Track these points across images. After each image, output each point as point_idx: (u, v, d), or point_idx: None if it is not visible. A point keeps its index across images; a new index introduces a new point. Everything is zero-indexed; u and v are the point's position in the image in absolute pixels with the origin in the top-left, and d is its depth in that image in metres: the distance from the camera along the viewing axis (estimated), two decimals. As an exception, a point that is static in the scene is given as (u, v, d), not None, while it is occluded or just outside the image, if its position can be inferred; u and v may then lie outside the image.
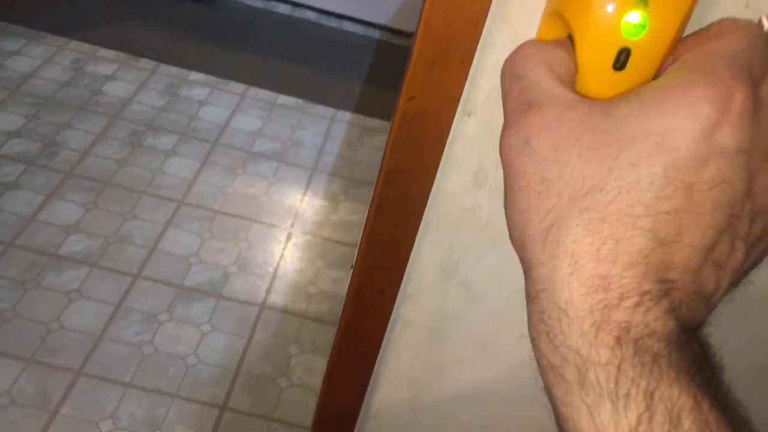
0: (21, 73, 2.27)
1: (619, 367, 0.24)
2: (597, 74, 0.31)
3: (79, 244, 1.79)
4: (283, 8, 2.58)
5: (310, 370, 1.56)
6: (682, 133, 0.26)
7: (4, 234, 1.75)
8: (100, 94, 2.31)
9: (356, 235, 1.88)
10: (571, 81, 0.31)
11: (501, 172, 0.52)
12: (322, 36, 2.54)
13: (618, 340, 0.25)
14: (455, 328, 0.64)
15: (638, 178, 0.26)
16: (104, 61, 2.44)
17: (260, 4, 2.60)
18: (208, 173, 2.17)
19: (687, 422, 0.23)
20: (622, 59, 0.30)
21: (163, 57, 2.49)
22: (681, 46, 0.30)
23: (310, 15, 2.55)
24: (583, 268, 0.26)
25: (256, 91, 2.33)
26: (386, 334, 0.66)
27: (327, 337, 1.62)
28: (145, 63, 2.48)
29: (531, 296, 0.28)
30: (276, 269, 1.77)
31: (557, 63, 0.31)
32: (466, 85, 0.48)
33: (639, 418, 0.24)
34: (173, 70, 2.49)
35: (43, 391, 1.41)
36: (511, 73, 0.32)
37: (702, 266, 0.26)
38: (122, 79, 2.38)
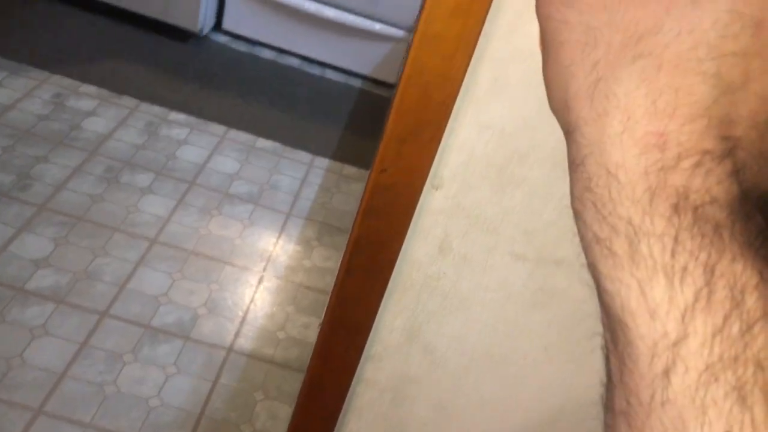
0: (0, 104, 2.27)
1: (675, 238, 0.22)
2: None
3: (47, 279, 1.77)
4: (268, 53, 2.62)
5: (274, 417, 1.55)
6: None
7: (-28, 266, 1.74)
8: (79, 129, 2.32)
9: (329, 281, 1.89)
10: None
11: (465, 242, 0.54)
12: (304, 82, 2.58)
13: (675, 207, 0.22)
14: (417, 389, 0.65)
15: (700, 16, 0.23)
16: (85, 97, 2.45)
17: (245, 48, 2.63)
18: (183, 213, 2.17)
19: (751, 300, 0.21)
20: None
21: (145, 95, 2.51)
22: None
23: (294, 61, 2.59)
24: (637, 124, 0.23)
25: (235, 134, 2.35)
26: (350, 391, 0.67)
27: (293, 383, 1.62)
28: (127, 100, 2.50)
29: (575, 163, 0.25)
30: (246, 313, 1.77)
31: None
32: (435, 162, 0.50)
33: (697, 294, 0.21)
34: (155, 108, 2.50)
35: (0, 429, 1.39)
36: None
37: None
38: (102, 115, 2.39)
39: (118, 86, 2.48)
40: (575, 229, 0.62)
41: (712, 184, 0.22)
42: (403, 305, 0.55)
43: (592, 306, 0.58)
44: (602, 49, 0.24)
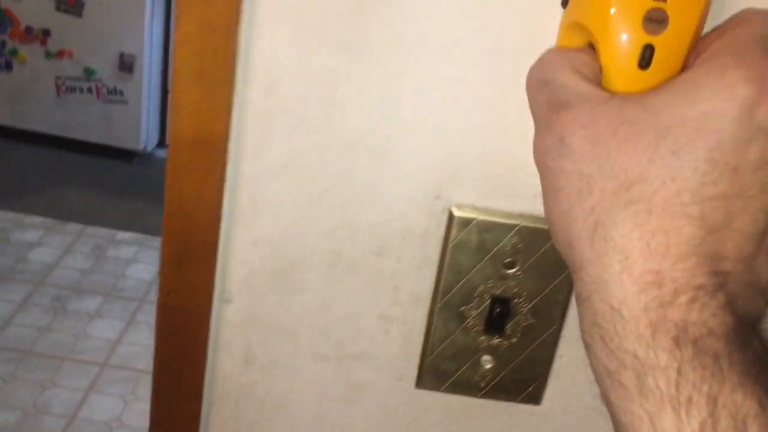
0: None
1: (679, 371, 0.23)
2: (623, 74, 0.30)
3: (-7, 419, 1.76)
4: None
5: None
6: (722, 115, 0.24)
7: None
8: (25, 261, 2.33)
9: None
10: (597, 81, 0.30)
11: (267, 350, 0.56)
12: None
13: (676, 341, 0.23)
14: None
15: (681, 165, 0.25)
16: (30, 228, 2.49)
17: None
18: (134, 332, 2.16)
19: (753, 428, 0.22)
20: (646, 56, 0.29)
21: (91, 219, 2.55)
22: (702, 42, 0.29)
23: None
24: (634, 264, 0.25)
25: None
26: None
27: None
28: (73, 226, 2.53)
29: (582, 298, 0.27)
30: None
31: (582, 65, 0.30)
32: (218, 278, 0.53)
33: (702, 424, 0.22)
34: (101, 231, 2.54)
35: None
36: (536, 79, 0.32)
37: (755, 253, 0.25)
38: (48, 244, 2.42)
39: (63, 213, 2.53)
40: (365, 325, 0.68)
41: (707, 317, 0.23)
42: (225, 418, 0.57)
43: (403, 396, 0.61)
44: (597, 195, 0.26)
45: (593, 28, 0.31)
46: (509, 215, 0.52)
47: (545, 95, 0.30)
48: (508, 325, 0.55)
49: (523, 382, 0.57)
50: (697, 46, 0.30)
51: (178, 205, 0.50)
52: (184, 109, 0.46)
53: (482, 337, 0.55)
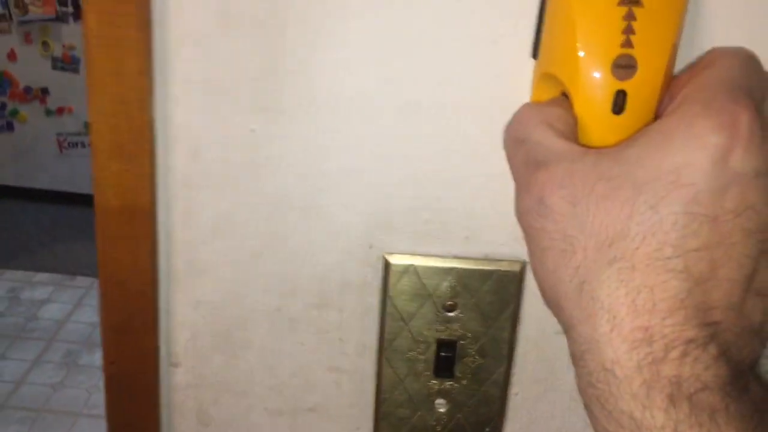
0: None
1: (675, 430, 0.23)
2: (598, 122, 0.30)
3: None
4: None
5: None
6: (696, 166, 0.24)
7: None
8: (36, 319, 2.35)
9: None
10: (573, 135, 0.30)
11: (221, 409, 0.56)
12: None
13: (671, 398, 0.23)
14: None
15: (660, 219, 0.24)
16: (39, 286, 2.51)
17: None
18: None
19: None
20: (619, 102, 0.29)
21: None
22: (675, 83, 0.30)
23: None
24: (623, 322, 0.24)
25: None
26: None
27: None
28: (81, 280, 2.55)
29: (576, 357, 0.27)
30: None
31: (556, 120, 0.31)
32: (163, 343, 0.53)
33: None
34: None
35: None
36: (513, 138, 0.32)
37: (744, 299, 0.25)
38: (58, 300, 2.44)
39: (72, 268, 2.55)
40: (316, 379, 0.68)
41: (700, 371, 0.23)
42: (187, 480, 0.57)
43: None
44: (580, 254, 0.26)
45: (564, 78, 0.31)
46: (443, 259, 0.52)
47: (522, 155, 0.30)
48: (457, 368, 0.54)
49: (479, 423, 0.56)
50: (670, 87, 0.30)
51: (112, 274, 0.50)
52: (105, 182, 0.47)
53: (433, 381, 0.55)
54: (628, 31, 0.29)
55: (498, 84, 0.45)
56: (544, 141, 0.30)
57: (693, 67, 0.30)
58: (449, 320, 0.53)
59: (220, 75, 0.47)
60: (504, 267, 0.51)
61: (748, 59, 0.29)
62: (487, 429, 0.56)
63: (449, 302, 0.52)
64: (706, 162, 0.24)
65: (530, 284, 0.53)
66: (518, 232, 0.51)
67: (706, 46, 0.32)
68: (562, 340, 0.55)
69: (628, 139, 0.28)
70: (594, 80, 0.29)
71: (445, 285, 0.52)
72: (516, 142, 0.32)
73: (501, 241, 0.51)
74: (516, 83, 0.42)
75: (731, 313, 0.24)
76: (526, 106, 0.34)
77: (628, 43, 0.29)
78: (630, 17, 0.29)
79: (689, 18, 0.34)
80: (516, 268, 0.51)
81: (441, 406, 0.56)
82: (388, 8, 0.45)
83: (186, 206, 0.50)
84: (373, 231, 0.52)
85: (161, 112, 0.48)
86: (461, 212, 0.51)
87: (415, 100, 0.47)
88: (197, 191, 0.50)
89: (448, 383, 0.55)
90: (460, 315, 0.53)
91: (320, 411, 0.57)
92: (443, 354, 0.54)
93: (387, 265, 0.52)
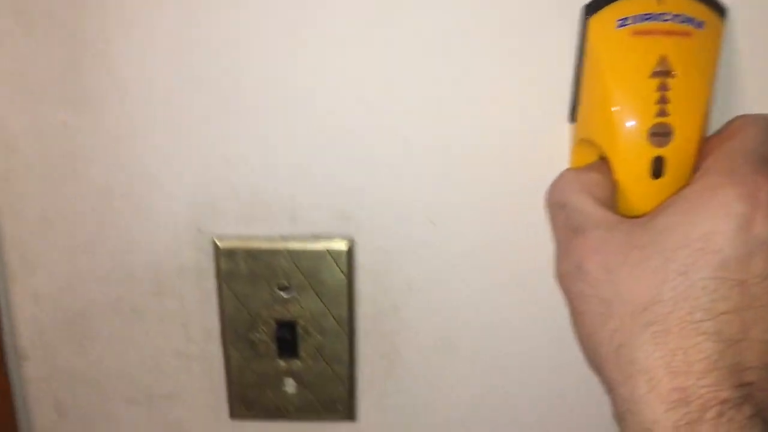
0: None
1: None
2: (637, 187, 0.32)
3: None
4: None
5: None
6: (722, 234, 0.26)
7: None
8: None
9: None
10: (610, 201, 0.32)
11: (78, 400, 0.57)
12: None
13: None
14: None
15: (690, 285, 0.26)
16: None
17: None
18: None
19: None
20: (658, 168, 0.31)
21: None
22: (705, 146, 0.31)
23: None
24: (660, 383, 0.26)
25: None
26: None
27: None
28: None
29: (619, 418, 0.28)
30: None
31: (595, 187, 0.32)
32: (9, 335, 0.54)
33: None
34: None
35: None
36: (554, 202, 0.34)
37: None
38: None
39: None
40: (166, 366, 0.68)
41: (735, 431, 0.25)
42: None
43: (223, 428, 0.60)
44: (617, 319, 0.28)
45: (604, 146, 0.33)
46: (271, 240, 0.52)
47: (562, 219, 0.33)
48: (301, 347, 0.55)
49: (330, 401, 0.56)
50: (703, 149, 0.32)
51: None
52: None
53: (279, 362, 0.55)
54: (663, 101, 0.31)
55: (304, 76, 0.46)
56: (583, 207, 0.31)
57: (720, 134, 0.32)
58: (285, 301, 0.53)
59: (27, 71, 0.48)
60: (333, 245, 0.52)
61: None
62: (339, 407, 0.57)
63: (282, 282, 0.53)
64: (732, 230, 0.26)
65: (362, 261, 0.53)
66: (343, 209, 0.51)
67: (735, 110, 0.34)
68: (400, 316, 0.55)
69: (658, 207, 0.30)
70: (633, 149, 0.31)
71: (275, 265, 0.52)
72: (557, 206, 0.33)
73: (325, 220, 0.52)
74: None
75: (764, 373, 0.26)
76: (567, 171, 0.35)
77: (663, 113, 0.31)
78: (663, 88, 0.31)
79: (720, 81, 0.35)
80: (343, 246, 0.51)
81: (290, 386, 0.56)
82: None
83: (10, 199, 0.51)
84: (199, 216, 0.52)
85: (-29, 110, 0.48)
86: (283, 193, 0.51)
87: (219, 79, 0.48)
88: (20, 184, 0.51)
89: (294, 363, 0.55)
90: (296, 295, 0.53)
91: (175, 398, 0.57)
92: (283, 334, 0.54)
93: (217, 248, 0.52)
